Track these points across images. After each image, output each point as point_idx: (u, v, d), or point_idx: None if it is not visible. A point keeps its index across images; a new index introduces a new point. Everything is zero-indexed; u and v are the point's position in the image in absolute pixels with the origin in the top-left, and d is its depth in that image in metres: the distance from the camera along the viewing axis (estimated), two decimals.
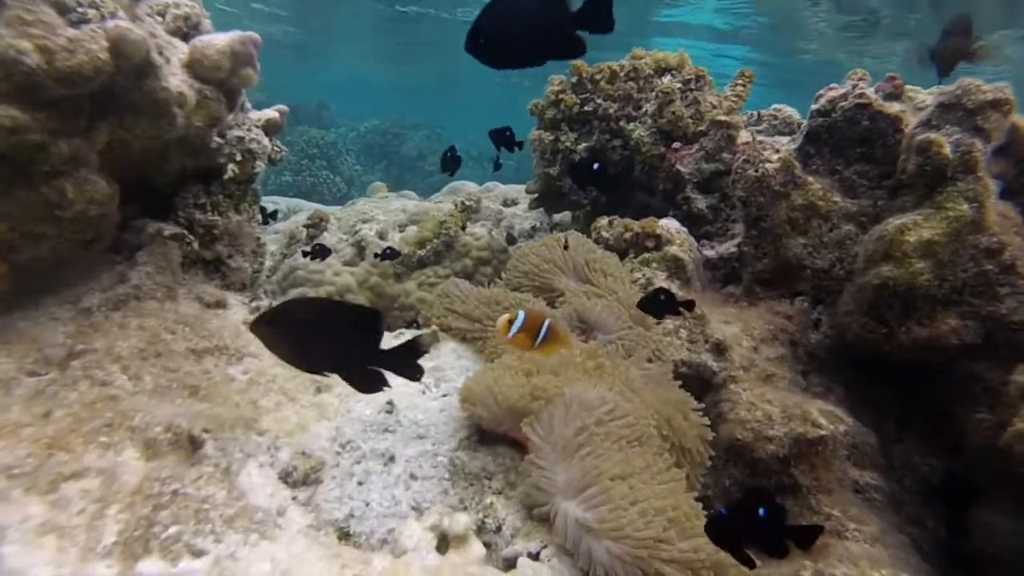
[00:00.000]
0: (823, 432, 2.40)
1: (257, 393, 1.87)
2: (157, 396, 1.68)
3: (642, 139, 3.72)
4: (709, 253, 3.35)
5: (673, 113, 3.60)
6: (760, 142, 2.91)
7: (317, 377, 2.10)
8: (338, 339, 1.30)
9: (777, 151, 2.89)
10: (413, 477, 1.96)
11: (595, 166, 1.73)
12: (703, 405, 2.31)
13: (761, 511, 1.17)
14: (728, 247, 3.33)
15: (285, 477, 1.63)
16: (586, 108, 3.89)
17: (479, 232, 4.44)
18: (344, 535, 1.56)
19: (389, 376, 1.38)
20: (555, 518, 1.65)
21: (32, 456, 1.32)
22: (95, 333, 1.80)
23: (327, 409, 2.00)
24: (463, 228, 4.32)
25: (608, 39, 1.34)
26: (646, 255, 2.93)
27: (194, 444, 1.53)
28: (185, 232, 2.08)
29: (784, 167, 2.81)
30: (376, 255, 3.81)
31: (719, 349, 2.65)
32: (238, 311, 2.21)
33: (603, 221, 3.19)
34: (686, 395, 2.26)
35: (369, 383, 1.34)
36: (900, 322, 2.44)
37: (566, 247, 2.87)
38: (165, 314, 1.95)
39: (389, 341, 2.68)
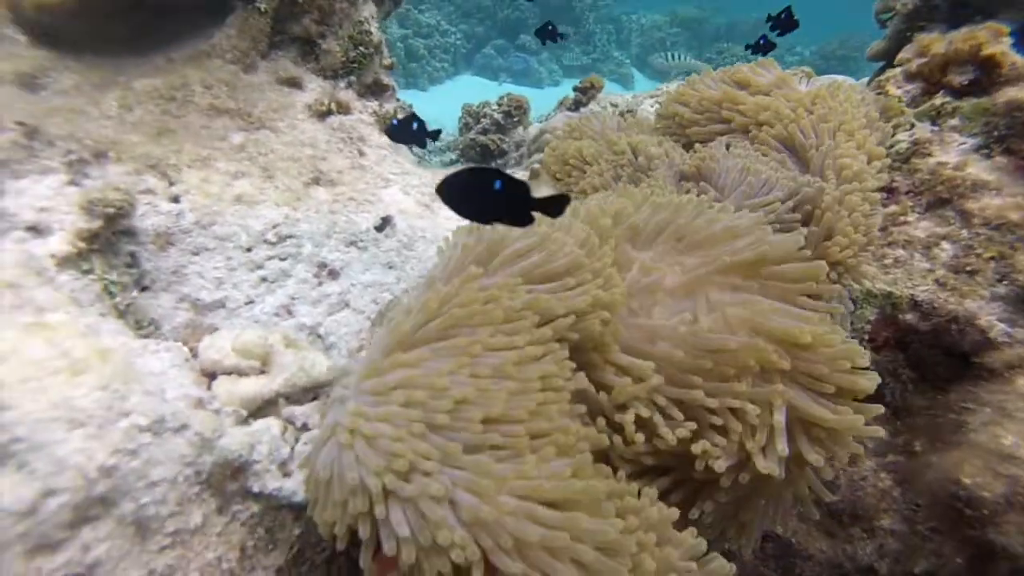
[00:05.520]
0: None
1: (231, 156, 1.66)
2: (123, 127, 1.61)
3: None
4: None
5: None
6: None
7: (324, 168, 1.78)
8: None
9: None
10: (344, 304, 1.50)
11: None
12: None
13: None
14: None
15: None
16: None
17: None
18: (125, 312, 1.24)
19: None
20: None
21: None
22: (153, 76, 1.83)
23: (305, 201, 1.67)
24: None
25: None
26: (936, 102, 1.58)
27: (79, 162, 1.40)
28: None
29: None
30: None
31: None
32: (310, 94, 2.01)
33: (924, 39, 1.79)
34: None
35: None
36: None
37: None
38: (215, 71, 1.88)
39: None
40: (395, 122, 1.71)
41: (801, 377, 1.12)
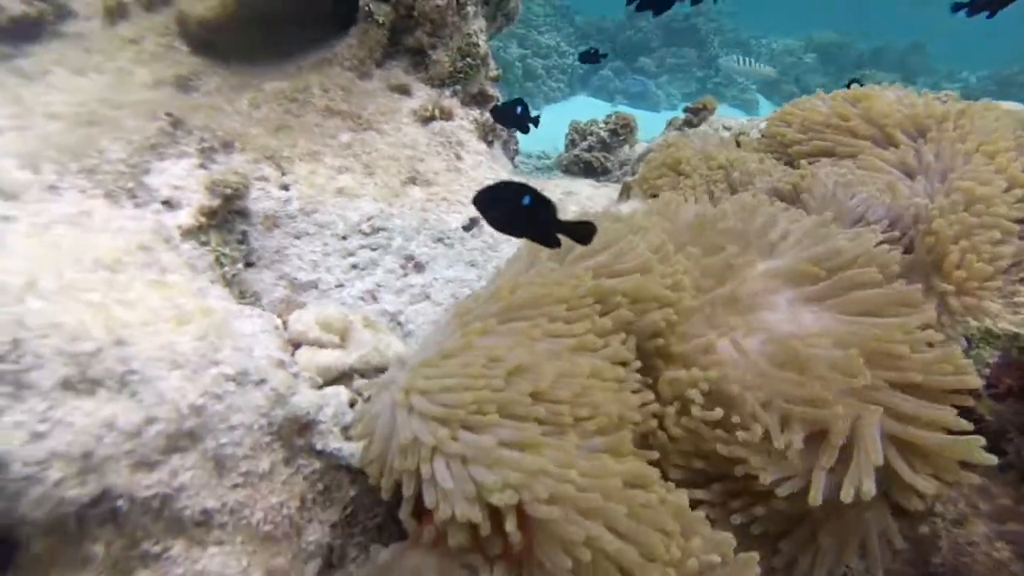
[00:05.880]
0: None
1: (338, 153, 1.81)
2: (249, 122, 1.81)
3: None
4: None
5: None
6: None
7: (421, 169, 1.89)
8: None
9: None
10: (425, 296, 1.58)
11: None
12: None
13: None
14: None
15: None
16: None
17: None
18: (231, 282, 1.38)
19: None
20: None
21: None
22: (281, 80, 2.05)
23: (401, 198, 1.78)
24: None
25: None
26: None
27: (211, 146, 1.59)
28: (384, 7, 2.10)
29: None
30: None
31: None
32: (416, 101, 2.14)
33: None
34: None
35: None
36: None
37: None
38: (334, 77, 2.06)
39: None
40: (499, 104, 1.80)
41: (887, 386, 1.04)
